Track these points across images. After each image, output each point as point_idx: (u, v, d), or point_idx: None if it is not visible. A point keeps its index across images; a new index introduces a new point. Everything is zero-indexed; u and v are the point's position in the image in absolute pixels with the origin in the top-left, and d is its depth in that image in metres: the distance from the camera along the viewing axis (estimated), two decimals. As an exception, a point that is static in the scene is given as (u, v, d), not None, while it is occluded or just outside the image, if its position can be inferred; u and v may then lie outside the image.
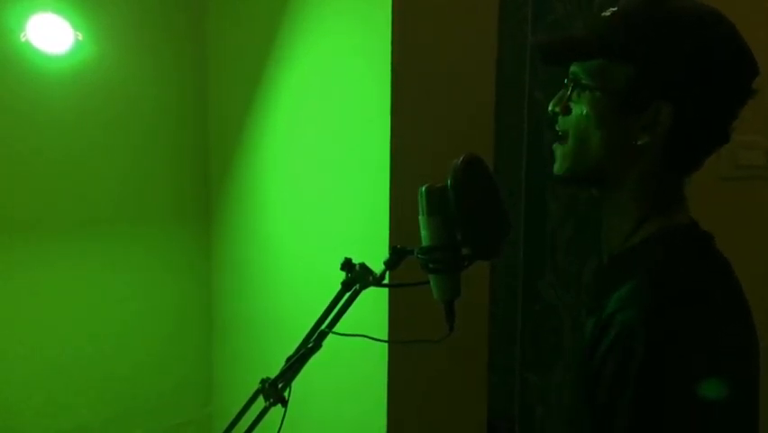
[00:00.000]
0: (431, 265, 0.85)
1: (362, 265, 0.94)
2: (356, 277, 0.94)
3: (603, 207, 0.88)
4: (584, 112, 0.82)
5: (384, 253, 0.93)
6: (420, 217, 0.86)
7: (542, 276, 1.60)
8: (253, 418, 0.97)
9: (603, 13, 0.82)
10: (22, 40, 1.70)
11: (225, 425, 1.04)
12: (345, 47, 1.47)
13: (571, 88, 0.84)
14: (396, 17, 1.29)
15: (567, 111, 0.84)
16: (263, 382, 0.97)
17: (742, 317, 0.78)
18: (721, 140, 0.80)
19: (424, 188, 0.85)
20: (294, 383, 0.96)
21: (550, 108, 0.87)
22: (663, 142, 0.78)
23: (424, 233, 0.86)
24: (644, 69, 0.77)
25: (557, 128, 0.87)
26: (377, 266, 0.94)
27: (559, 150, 0.87)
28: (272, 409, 0.96)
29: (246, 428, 0.98)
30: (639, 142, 0.79)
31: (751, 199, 1.90)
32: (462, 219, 0.83)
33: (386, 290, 1.28)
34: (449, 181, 0.83)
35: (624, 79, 0.78)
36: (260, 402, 0.98)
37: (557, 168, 0.87)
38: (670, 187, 0.83)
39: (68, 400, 1.94)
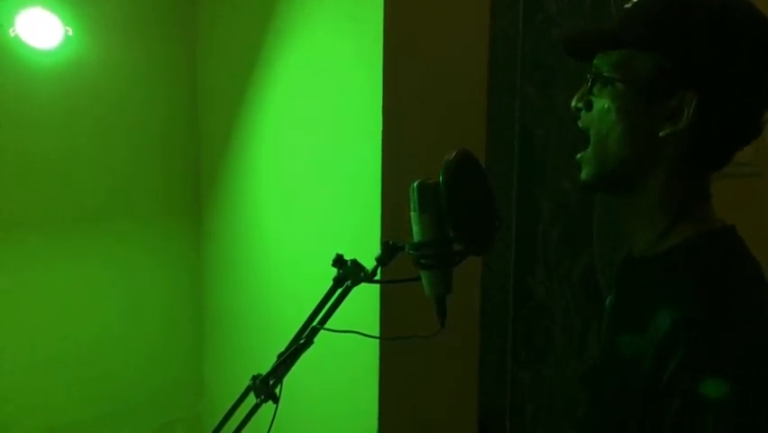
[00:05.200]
0: (422, 261, 0.85)
1: (354, 261, 0.94)
2: (347, 273, 0.93)
3: (623, 213, 0.85)
4: (606, 106, 0.79)
5: (375, 249, 0.93)
6: (411, 213, 0.86)
7: (533, 274, 1.60)
8: (244, 415, 0.97)
9: (626, 5, 0.80)
10: (12, 35, 1.69)
11: (216, 422, 1.04)
12: (337, 43, 1.47)
13: (591, 83, 0.81)
14: (387, 15, 1.29)
15: (589, 106, 0.82)
16: (254, 378, 0.96)
17: None
18: (753, 131, 0.77)
19: (415, 184, 0.85)
20: (285, 380, 0.96)
21: (572, 105, 0.85)
22: (689, 133, 0.75)
23: (415, 228, 0.86)
24: (667, 58, 0.75)
25: (579, 125, 0.84)
26: (368, 262, 0.94)
27: (582, 156, 0.84)
28: (263, 406, 0.96)
29: (237, 425, 0.97)
30: (661, 134, 0.76)
31: (740, 196, 1.91)
32: (454, 215, 0.82)
33: (377, 286, 1.28)
34: (441, 177, 0.82)
35: (646, 69, 0.76)
36: (251, 399, 0.97)
37: (583, 174, 0.84)
38: (696, 185, 0.80)
39: (59, 397, 1.93)
